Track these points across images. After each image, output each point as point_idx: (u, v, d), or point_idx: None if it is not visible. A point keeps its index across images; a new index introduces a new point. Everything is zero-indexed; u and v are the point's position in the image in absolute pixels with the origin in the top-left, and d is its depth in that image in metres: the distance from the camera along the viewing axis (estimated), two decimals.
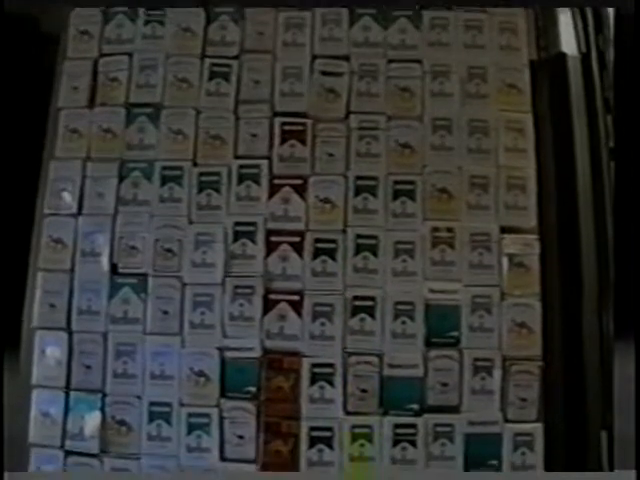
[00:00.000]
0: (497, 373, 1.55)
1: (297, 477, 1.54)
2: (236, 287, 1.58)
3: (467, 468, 1.54)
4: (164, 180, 1.63)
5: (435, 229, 1.59)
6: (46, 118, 1.70)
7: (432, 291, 1.57)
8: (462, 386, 1.55)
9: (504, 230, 1.60)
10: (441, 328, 1.56)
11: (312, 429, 1.53)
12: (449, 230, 1.59)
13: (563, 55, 1.68)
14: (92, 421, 1.58)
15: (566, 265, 1.60)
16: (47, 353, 1.61)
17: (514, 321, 1.57)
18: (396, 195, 1.60)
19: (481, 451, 1.54)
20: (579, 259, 1.61)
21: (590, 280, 1.60)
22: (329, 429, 1.53)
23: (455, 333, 1.56)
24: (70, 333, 1.61)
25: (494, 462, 1.54)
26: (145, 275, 1.60)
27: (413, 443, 1.53)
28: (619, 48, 1.54)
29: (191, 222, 1.61)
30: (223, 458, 1.54)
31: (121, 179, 1.64)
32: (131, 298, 1.60)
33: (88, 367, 1.59)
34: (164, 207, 1.62)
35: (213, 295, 1.57)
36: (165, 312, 1.58)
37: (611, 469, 1.56)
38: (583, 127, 1.65)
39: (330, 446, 1.53)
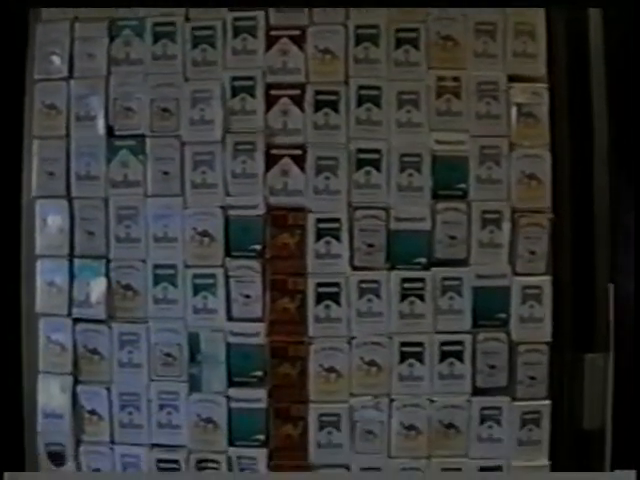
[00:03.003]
0: (506, 226, 1.53)
1: (304, 477, 1.53)
2: (237, 144, 1.54)
3: (475, 322, 1.53)
4: (156, 37, 1.57)
5: (440, 78, 1.53)
6: None
7: (438, 142, 1.53)
8: (470, 239, 1.53)
9: (512, 79, 1.54)
10: (448, 180, 1.53)
11: (319, 285, 1.52)
12: (455, 79, 1.53)
13: None
14: (98, 287, 1.57)
15: (576, 114, 1.55)
16: (48, 222, 1.59)
17: (523, 172, 1.53)
18: (399, 43, 1.53)
19: (489, 304, 1.53)
20: (590, 108, 1.56)
21: (600, 130, 1.56)
22: (336, 285, 1.52)
23: (463, 185, 1.53)
24: (70, 200, 1.58)
25: (502, 315, 1.53)
26: (143, 136, 1.56)
27: (421, 297, 1.53)
28: None
29: (187, 79, 1.56)
30: (230, 318, 1.54)
31: (112, 38, 1.58)
32: (130, 160, 1.56)
33: (90, 233, 1.57)
34: (158, 65, 1.56)
35: (213, 153, 1.54)
36: (165, 173, 1.55)
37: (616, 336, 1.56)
38: None
39: (337, 302, 1.52)
